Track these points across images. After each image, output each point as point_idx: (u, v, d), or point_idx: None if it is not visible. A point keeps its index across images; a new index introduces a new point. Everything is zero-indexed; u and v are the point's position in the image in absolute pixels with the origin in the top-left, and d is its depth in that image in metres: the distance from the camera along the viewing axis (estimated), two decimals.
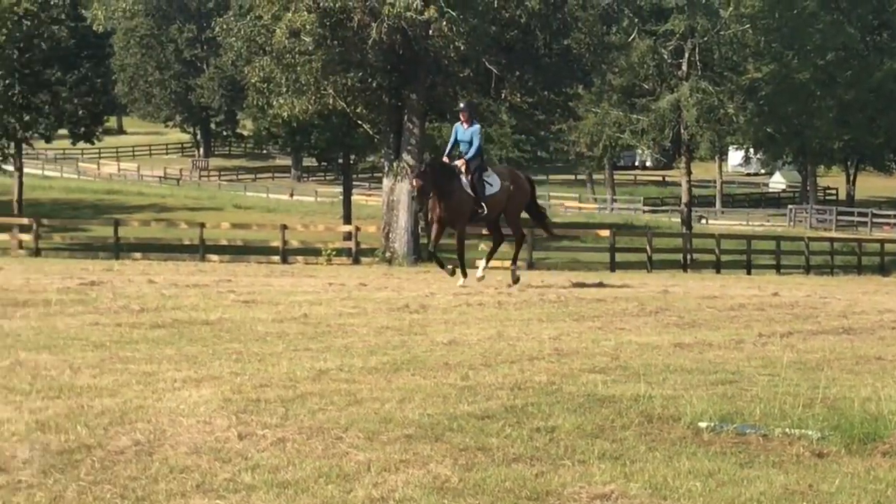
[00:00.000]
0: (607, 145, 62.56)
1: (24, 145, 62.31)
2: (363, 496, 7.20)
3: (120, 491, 6.97)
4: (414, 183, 19.94)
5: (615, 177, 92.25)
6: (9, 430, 8.24)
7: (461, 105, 21.55)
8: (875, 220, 70.32)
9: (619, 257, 42.84)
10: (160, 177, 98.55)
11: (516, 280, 21.21)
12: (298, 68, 41.53)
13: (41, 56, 57.28)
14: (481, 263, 21.49)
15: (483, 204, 20.20)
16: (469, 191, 19.69)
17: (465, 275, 20.51)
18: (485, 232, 25.28)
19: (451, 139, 20.35)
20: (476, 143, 19.90)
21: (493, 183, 20.35)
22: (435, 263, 21.30)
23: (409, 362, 12.58)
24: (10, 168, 62.47)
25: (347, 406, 9.85)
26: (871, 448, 9.10)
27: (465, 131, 20.00)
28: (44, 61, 57.53)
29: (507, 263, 24.22)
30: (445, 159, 20.41)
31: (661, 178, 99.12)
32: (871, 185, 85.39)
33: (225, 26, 50.86)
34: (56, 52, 58.16)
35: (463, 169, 19.73)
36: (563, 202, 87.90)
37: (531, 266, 38.68)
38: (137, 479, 7.31)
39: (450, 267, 20.94)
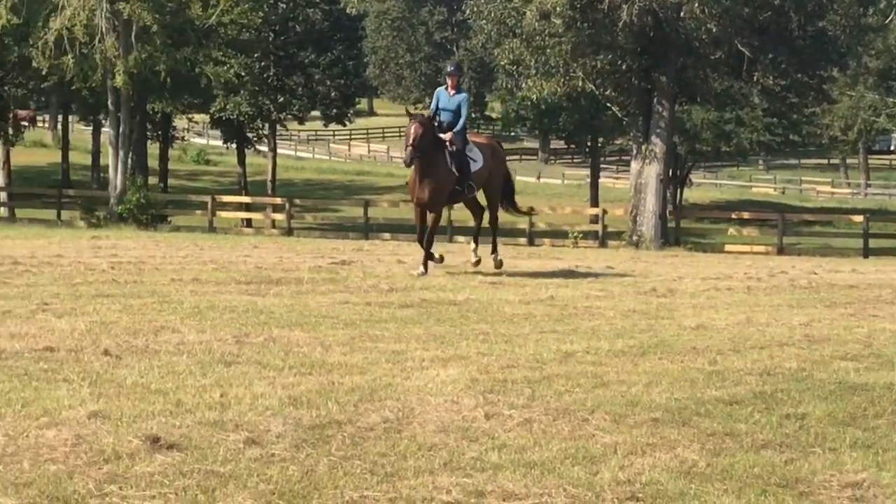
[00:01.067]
0: (862, 129, 60.55)
1: (277, 126, 63.50)
2: (609, 478, 7.04)
3: (369, 467, 7.03)
4: (413, 129, 16.48)
5: (869, 161, 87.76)
6: (262, 405, 8.44)
7: (450, 68, 18.40)
8: None
9: (872, 243, 40.66)
10: None
11: (499, 265, 18.75)
12: (548, 50, 41.13)
13: (295, 38, 58.40)
14: (471, 247, 19.19)
15: (472, 184, 17.61)
16: (453, 168, 17.12)
17: (426, 267, 17.83)
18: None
19: (433, 105, 17.56)
20: (465, 114, 17.42)
21: (476, 158, 17.75)
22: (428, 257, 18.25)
23: (656, 346, 12.45)
24: (265, 149, 63.34)
25: (594, 388, 9.82)
26: None
27: (450, 98, 17.36)
28: (298, 44, 58.48)
29: (472, 246, 20.37)
30: None
31: None
32: None
33: (475, 9, 50.53)
34: (310, 34, 58.98)
35: (449, 143, 17.08)
36: (815, 187, 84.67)
37: (781, 251, 37.49)
38: (386, 456, 7.35)
39: (438, 255, 18.49)
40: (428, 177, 16.68)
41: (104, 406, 8.14)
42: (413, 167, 16.89)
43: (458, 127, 16.98)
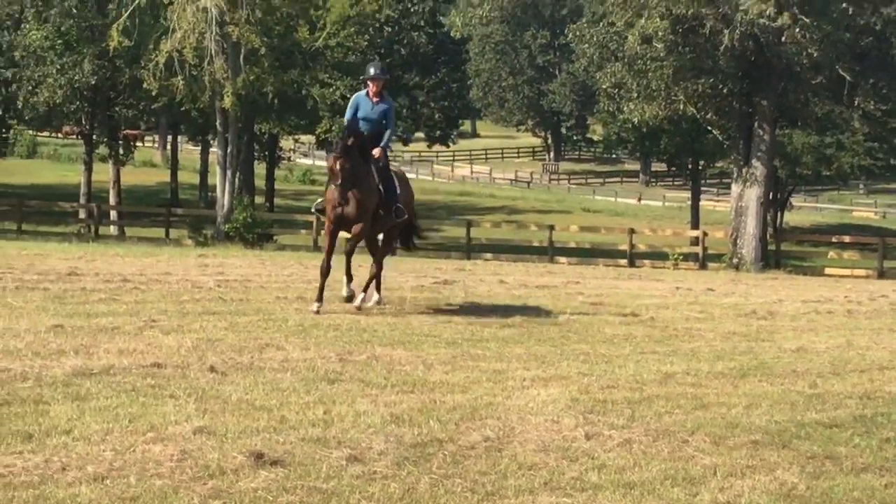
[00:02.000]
0: None
1: None
2: (709, 500, 7.14)
3: (470, 485, 7.10)
4: (337, 164, 13.56)
5: None
6: (365, 422, 8.54)
7: (374, 70, 14.82)
8: None
9: None
10: (511, 180, 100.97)
11: (359, 306, 14.63)
12: (650, 74, 41.82)
13: (400, 61, 61.00)
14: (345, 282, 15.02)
15: (400, 206, 14.66)
16: (380, 186, 14.38)
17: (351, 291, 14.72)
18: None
19: (349, 113, 14.58)
20: (391, 127, 14.75)
21: (395, 181, 15.10)
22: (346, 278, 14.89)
23: (756, 368, 12.45)
24: None
25: (693, 410, 9.86)
26: None
27: (373, 107, 14.48)
28: (403, 66, 60.91)
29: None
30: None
31: None
32: None
33: (578, 33, 52.68)
34: (415, 57, 61.64)
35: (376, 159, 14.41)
36: None
37: (882, 275, 36.97)
38: (487, 475, 7.45)
39: (351, 289, 14.74)
40: (357, 190, 13.76)
41: (209, 422, 8.31)
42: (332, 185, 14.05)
43: (385, 142, 14.56)
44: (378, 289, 15.32)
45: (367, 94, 14.36)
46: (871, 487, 7.91)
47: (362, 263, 17.26)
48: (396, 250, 18.50)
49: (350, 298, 14.46)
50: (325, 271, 14.10)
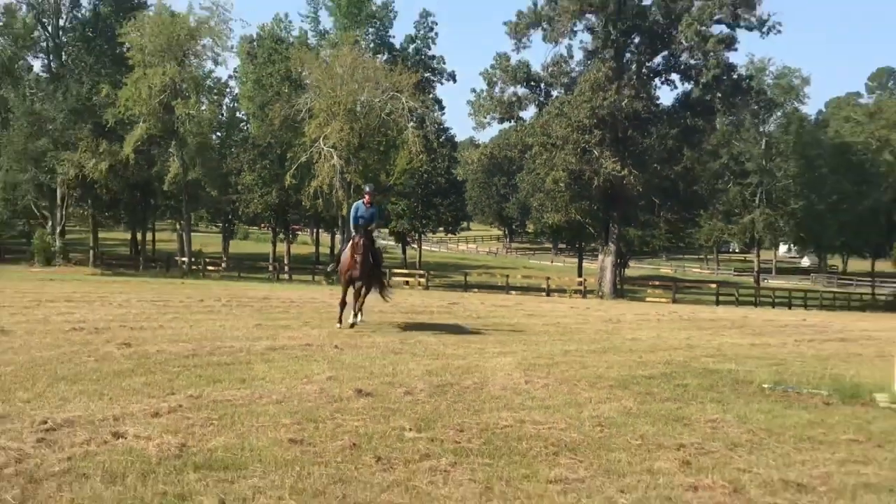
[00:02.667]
0: (716, 240, 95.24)
1: (421, 234, 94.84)
2: (587, 415, 9.85)
3: (467, 406, 10.12)
4: (360, 241, 18.19)
5: (719, 255, 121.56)
6: (413, 374, 12.10)
7: (368, 188, 19.51)
8: (858, 281, 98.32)
9: (721, 298, 66.04)
10: (486, 251, 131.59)
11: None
12: (557, 198, 69.81)
13: (431, 189, 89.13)
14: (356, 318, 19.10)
15: (384, 270, 19.95)
16: (371, 257, 18.58)
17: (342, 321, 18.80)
18: None
19: (353, 214, 19.00)
20: (376, 220, 19.19)
21: (380, 254, 19.97)
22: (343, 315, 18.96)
23: (611, 348, 16.72)
24: (415, 245, 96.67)
25: (580, 369, 13.74)
26: (855, 401, 12.25)
27: (367, 210, 18.89)
28: (432, 193, 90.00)
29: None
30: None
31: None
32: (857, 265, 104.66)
33: (521, 179, 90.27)
34: (438, 188, 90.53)
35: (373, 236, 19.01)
36: (692, 268, 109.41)
37: (674, 301, 45.40)
38: (475, 401, 10.38)
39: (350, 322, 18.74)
40: (365, 259, 18.08)
41: (334, 373, 11.83)
42: (348, 253, 18.56)
43: (373, 225, 18.91)
44: (361, 312, 19.18)
45: (363, 201, 18.98)
46: (670, 409, 10.67)
47: (375, 305, 21.91)
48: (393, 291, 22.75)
49: (353, 325, 18.69)
50: (342, 304, 18.91)
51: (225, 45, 64.21)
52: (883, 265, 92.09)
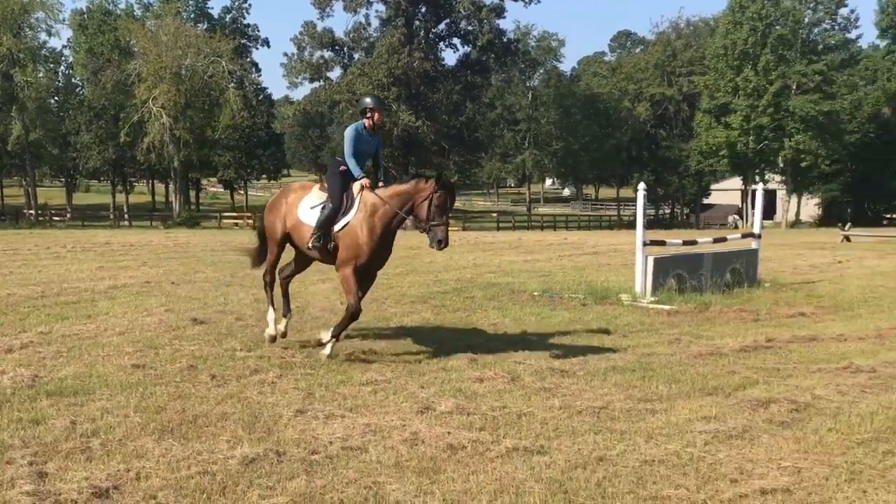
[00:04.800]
0: (496, 178, 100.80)
1: None
2: (393, 326, 10.74)
3: (290, 326, 12.37)
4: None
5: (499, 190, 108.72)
6: (241, 303, 12.43)
7: (370, 101, 9.30)
8: (607, 205, 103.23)
9: (502, 224, 55.56)
10: None
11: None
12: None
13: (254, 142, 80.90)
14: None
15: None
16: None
17: None
18: None
19: (351, 143, 9.09)
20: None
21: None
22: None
23: (413, 271, 16.84)
24: None
25: (387, 289, 13.89)
26: (605, 301, 13.29)
27: (370, 137, 9.31)
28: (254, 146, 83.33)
29: None
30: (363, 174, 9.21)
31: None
32: (606, 192, 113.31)
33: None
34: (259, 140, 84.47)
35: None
36: (476, 201, 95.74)
37: (465, 229, 45.25)
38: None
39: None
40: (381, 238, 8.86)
41: (172, 306, 11.91)
42: (359, 224, 8.83)
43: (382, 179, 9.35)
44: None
45: (365, 125, 9.18)
46: (460, 317, 11.42)
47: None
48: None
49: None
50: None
51: (57, 17, 63.20)
52: (625, 192, 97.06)
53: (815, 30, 73.40)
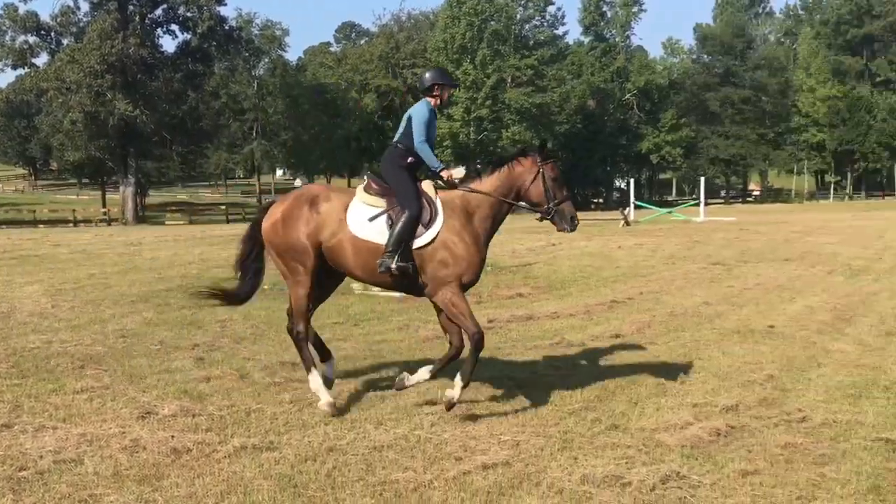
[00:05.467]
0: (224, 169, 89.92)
1: None
2: (111, 330, 11.53)
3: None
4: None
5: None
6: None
7: (430, 75, 7.37)
8: None
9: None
10: None
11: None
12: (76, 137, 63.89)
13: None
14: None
15: None
16: None
17: None
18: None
19: (424, 126, 7.17)
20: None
21: None
22: None
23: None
24: None
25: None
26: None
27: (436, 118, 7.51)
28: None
29: None
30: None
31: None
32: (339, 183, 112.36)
33: None
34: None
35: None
36: (207, 193, 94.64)
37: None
38: (3, 328, 12.03)
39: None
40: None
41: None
42: (474, 232, 7.03)
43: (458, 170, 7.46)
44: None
45: (432, 104, 7.33)
46: (185, 315, 10.97)
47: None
48: None
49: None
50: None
51: None
52: (357, 182, 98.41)
53: (527, 26, 78.40)
